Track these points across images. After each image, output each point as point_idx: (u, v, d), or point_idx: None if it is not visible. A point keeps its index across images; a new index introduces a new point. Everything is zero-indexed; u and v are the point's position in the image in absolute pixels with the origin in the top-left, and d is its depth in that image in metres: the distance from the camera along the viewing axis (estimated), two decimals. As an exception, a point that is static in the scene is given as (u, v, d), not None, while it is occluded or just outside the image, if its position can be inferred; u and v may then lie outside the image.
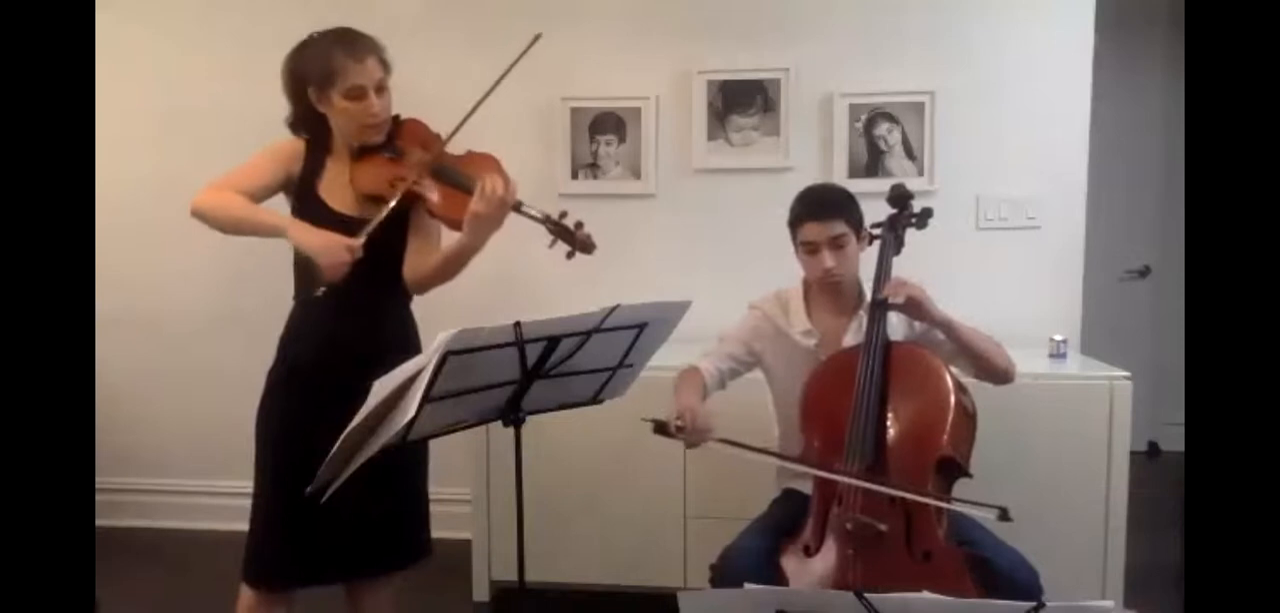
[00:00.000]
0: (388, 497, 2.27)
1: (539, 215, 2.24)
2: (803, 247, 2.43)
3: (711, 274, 3.41)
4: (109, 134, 3.42)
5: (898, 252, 2.51)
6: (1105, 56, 3.63)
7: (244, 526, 2.30)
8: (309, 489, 1.92)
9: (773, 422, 2.58)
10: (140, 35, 3.84)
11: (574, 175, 3.68)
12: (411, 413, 1.75)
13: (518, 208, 2.21)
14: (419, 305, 2.37)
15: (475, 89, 2.23)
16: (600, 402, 2.14)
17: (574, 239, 2.25)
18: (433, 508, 2.42)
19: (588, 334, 1.92)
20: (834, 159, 3.55)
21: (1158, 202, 4.88)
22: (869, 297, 2.41)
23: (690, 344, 2.44)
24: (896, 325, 2.41)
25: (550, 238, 2.25)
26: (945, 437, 2.22)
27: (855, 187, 2.85)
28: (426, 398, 1.75)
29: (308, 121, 2.28)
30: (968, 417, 2.32)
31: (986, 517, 2.05)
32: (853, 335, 2.44)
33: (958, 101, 3.50)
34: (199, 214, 2.22)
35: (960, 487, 2.26)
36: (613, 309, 1.91)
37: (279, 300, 2.33)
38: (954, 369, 2.35)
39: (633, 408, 2.17)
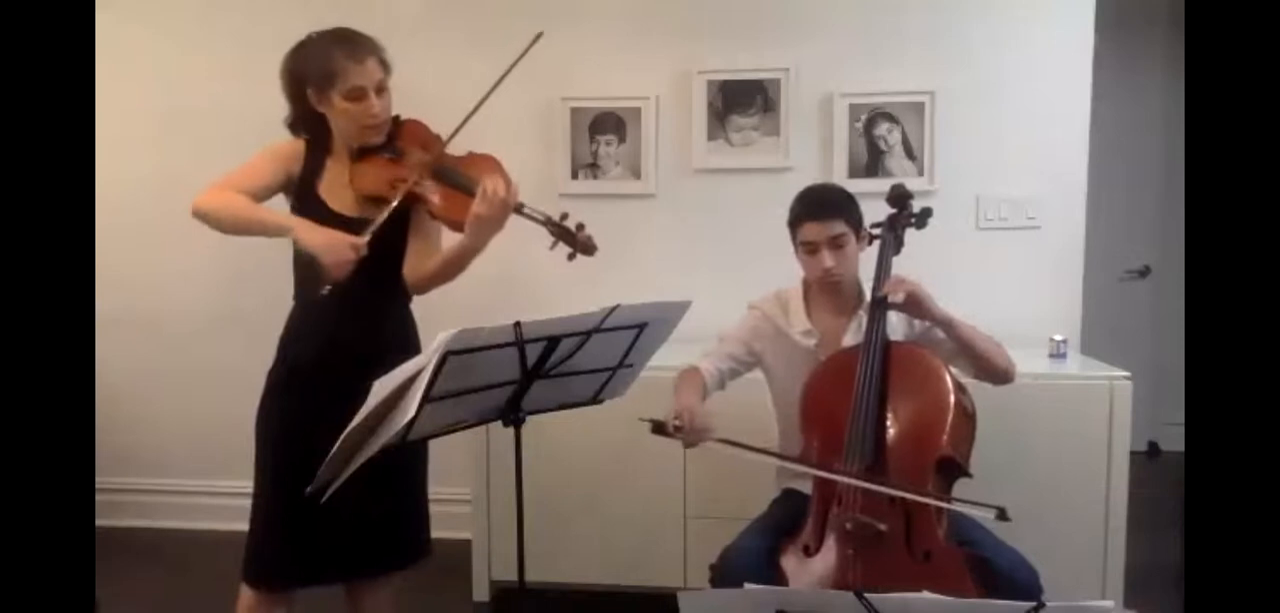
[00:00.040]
0: (388, 497, 2.27)
1: (541, 217, 2.24)
2: (802, 247, 2.43)
3: (711, 274, 3.42)
4: (109, 134, 3.42)
5: (897, 251, 2.51)
6: (1105, 56, 3.63)
7: (244, 526, 2.30)
8: (309, 489, 1.92)
9: (772, 422, 2.58)
10: (140, 35, 3.84)
11: (574, 175, 3.68)
12: (411, 413, 1.75)
13: (520, 210, 2.20)
14: (419, 305, 2.37)
15: (475, 89, 2.23)
16: (600, 402, 2.14)
17: (575, 241, 2.25)
18: (433, 508, 2.42)
19: (588, 334, 1.92)
20: (834, 159, 3.55)
21: (1158, 202, 4.88)
22: (868, 296, 2.41)
23: (690, 344, 2.44)
24: (896, 325, 2.41)
25: (551, 240, 2.25)
26: (945, 437, 2.22)
27: (855, 187, 2.86)
28: (426, 398, 1.75)
29: (307, 122, 2.27)
30: (967, 417, 2.31)
31: (985, 516, 2.05)
32: (852, 335, 2.44)
33: (958, 101, 3.50)
34: (201, 215, 2.20)
35: (960, 487, 2.26)
36: (613, 309, 1.91)
37: (279, 300, 2.33)
38: (954, 369, 2.35)
39: (633, 408, 2.17)
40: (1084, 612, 1.56)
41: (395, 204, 2.18)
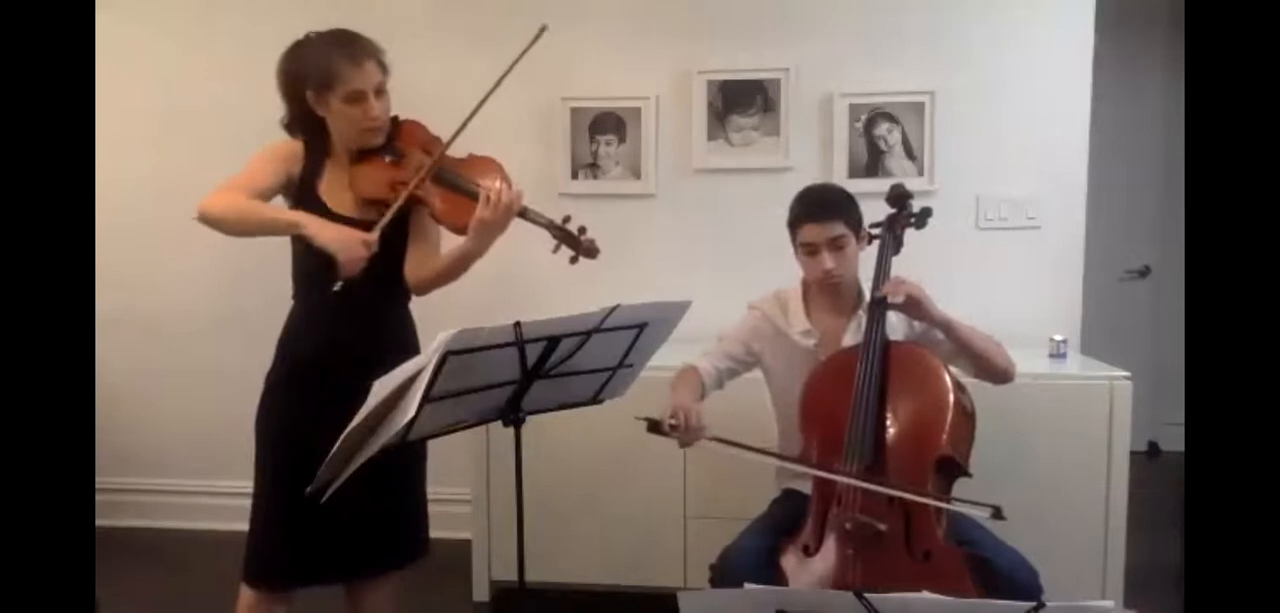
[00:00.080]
0: (387, 497, 2.27)
1: (544, 221, 2.24)
2: (802, 247, 2.43)
3: (711, 274, 3.42)
4: (109, 134, 3.42)
5: (897, 251, 2.51)
6: (1105, 56, 3.63)
7: (244, 526, 2.30)
8: (309, 489, 1.92)
9: (772, 422, 2.58)
10: (140, 35, 3.84)
11: (574, 175, 3.68)
12: (411, 413, 1.75)
13: (524, 214, 2.20)
14: (419, 305, 2.37)
15: (476, 89, 2.23)
16: (600, 402, 2.14)
17: (578, 245, 2.25)
18: (432, 508, 2.42)
19: (588, 334, 1.92)
20: (834, 159, 3.55)
21: (1158, 202, 4.88)
22: (868, 296, 2.41)
23: (690, 344, 2.44)
24: (896, 325, 2.41)
25: (554, 243, 2.25)
26: (944, 436, 2.22)
27: (855, 187, 2.86)
28: (426, 398, 1.75)
29: (304, 123, 2.26)
30: (966, 416, 2.31)
31: (980, 515, 2.05)
32: (852, 335, 2.44)
33: (958, 101, 3.50)
34: (207, 218, 2.16)
35: (960, 486, 2.26)
36: (613, 309, 1.91)
37: (279, 300, 2.33)
38: (953, 369, 2.35)
39: (633, 408, 2.17)
40: (1084, 612, 1.56)
41: (399, 203, 2.18)
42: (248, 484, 2.29)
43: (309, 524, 2.16)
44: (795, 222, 2.44)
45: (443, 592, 3.24)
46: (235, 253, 2.60)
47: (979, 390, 2.40)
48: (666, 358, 2.27)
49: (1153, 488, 3.89)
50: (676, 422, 2.16)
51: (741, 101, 3.61)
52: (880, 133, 3.55)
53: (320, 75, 2.17)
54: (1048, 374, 3.08)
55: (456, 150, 2.28)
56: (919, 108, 3.52)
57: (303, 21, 2.27)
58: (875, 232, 2.52)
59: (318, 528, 2.18)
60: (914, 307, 2.33)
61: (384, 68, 2.22)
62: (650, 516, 3.14)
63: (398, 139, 2.28)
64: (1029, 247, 3.54)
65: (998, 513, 2.01)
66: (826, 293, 2.47)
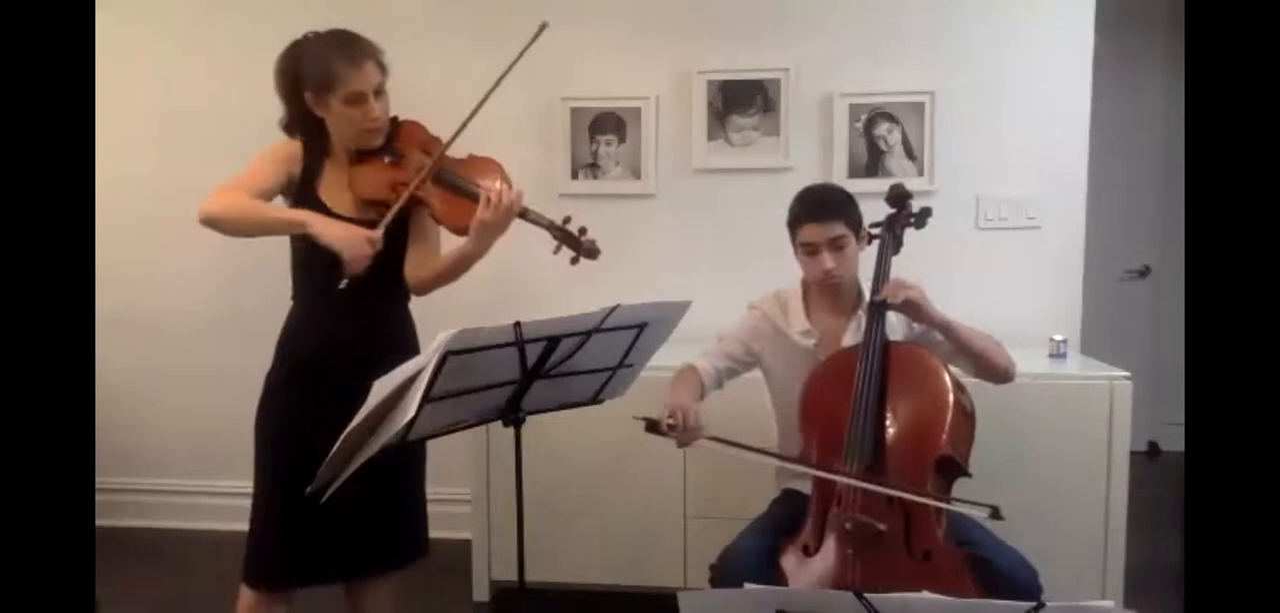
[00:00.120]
0: (387, 497, 2.27)
1: (545, 222, 2.24)
2: (802, 248, 2.43)
3: (711, 274, 3.42)
4: (109, 134, 3.42)
5: (896, 251, 2.51)
6: (1105, 56, 3.63)
7: (244, 526, 2.29)
8: (309, 489, 1.92)
9: (772, 422, 2.58)
10: (140, 35, 3.85)
11: (574, 175, 3.68)
12: (411, 413, 1.75)
13: (525, 215, 2.20)
14: (419, 305, 2.37)
15: (476, 89, 2.23)
16: (600, 402, 2.14)
17: (579, 246, 2.25)
18: (432, 508, 2.42)
19: (588, 334, 1.92)
20: (834, 159, 3.55)
21: (1158, 202, 4.88)
22: (868, 297, 2.41)
23: (690, 344, 2.44)
24: (895, 325, 2.41)
25: (555, 244, 2.25)
26: (944, 436, 2.22)
27: (855, 187, 2.86)
28: (426, 398, 1.74)
29: (303, 124, 2.26)
30: (966, 416, 2.31)
31: (979, 515, 2.05)
32: (851, 335, 2.44)
33: (958, 101, 3.50)
34: (210, 219, 2.14)
35: (960, 486, 2.26)
36: (613, 309, 1.91)
37: (279, 300, 2.33)
38: (953, 368, 2.35)
39: (633, 408, 2.17)
40: (1084, 612, 1.56)
41: (401, 203, 2.18)
42: (248, 484, 2.29)
43: (309, 524, 2.16)
44: (795, 222, 2.44)
45: (443, 592, 3.24)
46: (235, 253, 2.60)
47: (979, 390, 2.40)
48: (666, 358, 2.27)
49: (1153, 488, 3.89)
50: (674, 421, 2.16)
51: (741, 101, 3.61)
52: (880, 133, 3.55)
53: (319, 76, 2.17)
54: (1048, 374, 3.08)
55: (456, 151, 2.28)
56: (919, 108, 3.52)
57: (303, 21, 2.27)
58: (875, 232, 2.52)
59: (318, 528, 2.18)
60: (913, 309, 2.33)
61: (383, 68, 2.22)
62: (650, 516, 3.14)
63: (397, 140, 2.27)
64: (1029, 247, 3.54)
65: (996, 513, 2.01)
66: (826, 293, 2.47)
